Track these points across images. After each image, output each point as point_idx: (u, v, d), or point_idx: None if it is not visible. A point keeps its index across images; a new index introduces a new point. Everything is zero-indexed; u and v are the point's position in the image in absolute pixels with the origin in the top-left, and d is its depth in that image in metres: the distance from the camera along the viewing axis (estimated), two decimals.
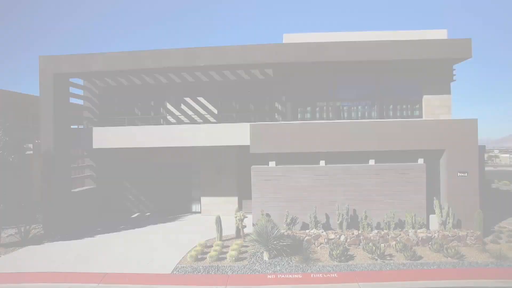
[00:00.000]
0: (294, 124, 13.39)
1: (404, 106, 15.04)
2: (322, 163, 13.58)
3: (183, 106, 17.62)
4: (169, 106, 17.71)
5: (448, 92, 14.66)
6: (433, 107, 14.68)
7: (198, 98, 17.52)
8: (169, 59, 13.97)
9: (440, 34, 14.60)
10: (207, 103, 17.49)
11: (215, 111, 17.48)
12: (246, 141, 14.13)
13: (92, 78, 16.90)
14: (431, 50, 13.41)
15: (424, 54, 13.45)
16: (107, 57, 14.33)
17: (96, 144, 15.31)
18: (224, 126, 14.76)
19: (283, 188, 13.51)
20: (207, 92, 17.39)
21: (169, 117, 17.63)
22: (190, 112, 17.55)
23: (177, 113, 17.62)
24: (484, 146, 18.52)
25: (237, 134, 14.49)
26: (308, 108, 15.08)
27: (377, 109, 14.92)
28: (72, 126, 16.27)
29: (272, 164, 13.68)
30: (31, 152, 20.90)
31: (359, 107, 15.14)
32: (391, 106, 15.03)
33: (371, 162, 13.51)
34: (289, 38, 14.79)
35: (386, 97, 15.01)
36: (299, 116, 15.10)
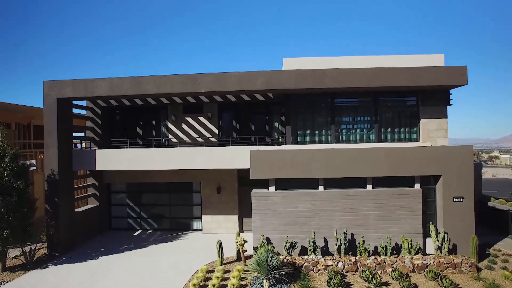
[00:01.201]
0: (294, 151, 13.64)
1: (401, 129, 15.28)
2: (320, 188, 13.86)
3: (184, 125, 17.89)
4: (170, 125, 17.98)
5: (444, 116, 14.90)
6: (430, 130, 14.91)
7: (199, 117, 17.79)
8: (171, 85, 14.23)
9: (437, 59, 14.82)
10: (208, 122, 17.75)
11: (216, 131, 17.76)
12: (246, 165, 14.42)
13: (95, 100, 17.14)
14: (427, 77, 13.67)
15: (421, 81, 13.71)
16: (109, 82, 14.58)
17: (99, 166, 15.61)
18: (224, 150, 15.04)
19: (283, 213, 13.79)
20: (207, 112, 17.65)
21: (170, 136, 17.91)
22: (190, 131, 17.82)
23: (177, 131, 17.90)
24: (481, 163, 18.75)
25: (237, 157, 14.78)
26: (307, 131, 15.33)
27: (376, 132, 15.17)
28: (75, 141, 16.60)
29: (271, 189, 13.96)
30: (34, 167, 21.25)
31: (358, 130, 15.39)
32: (389, 129, 15.27)
33: (369, 187, 13.78)
34: (289, 62, 15.02)
35: (384, 120, 15.25)
36: (298, 138, 15.34)
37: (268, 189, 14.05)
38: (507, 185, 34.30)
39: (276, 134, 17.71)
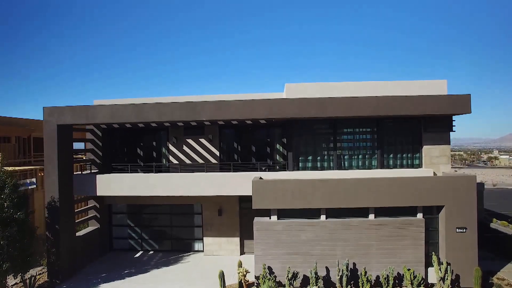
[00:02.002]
0: (295, 182, 13.55)
1: (404, 155, 15.22)
2: (322, 217, 13.78)
3: (185, 147, 17.80)
4: (171, 147, 17.88)
5: (447, 142, 14.84)
6: (432, 157, 14.86)
7: (200, 139, 17.68)
8: (172, 114, 14.15)
9: (440, 85, 14.74)
10: (209, 144, 17.65)
11: (217, 152, 17.66)
12: (248, 192, 14.29)
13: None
14: (430, 106, 13.60)
15: (424, 110, 13.64)
16: (110, 109, 14.49)
17: (100, 191, 15.57)
18: (226, 176, 15.01)
19: (285, 242, 13.73)
20: (209, 133, 17.54)
21: (171, 158, 17.81)
22: (191, 153, 17.73)
23: (178, 153, 17.81)
24: (483, 184, 18.68)
25: (239, 184, 14.73)
26: (309, 157, 15.25)
27: (378, 158, 15.10)
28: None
29: (273, 218, 13.89)
30: (35, 186, 21.18)
31: (360, 156, 15.32)
32: (391, 155, 15.20)
33: (371, 216, 13.70)
34: (290, 88, 14.94)
35: (387, 146, 15.18)
36: (300, 164, 15.28)
37: (270, 218, 13.98)
38: (509, 196, 34.14)
39: (277, 155, 17.61)
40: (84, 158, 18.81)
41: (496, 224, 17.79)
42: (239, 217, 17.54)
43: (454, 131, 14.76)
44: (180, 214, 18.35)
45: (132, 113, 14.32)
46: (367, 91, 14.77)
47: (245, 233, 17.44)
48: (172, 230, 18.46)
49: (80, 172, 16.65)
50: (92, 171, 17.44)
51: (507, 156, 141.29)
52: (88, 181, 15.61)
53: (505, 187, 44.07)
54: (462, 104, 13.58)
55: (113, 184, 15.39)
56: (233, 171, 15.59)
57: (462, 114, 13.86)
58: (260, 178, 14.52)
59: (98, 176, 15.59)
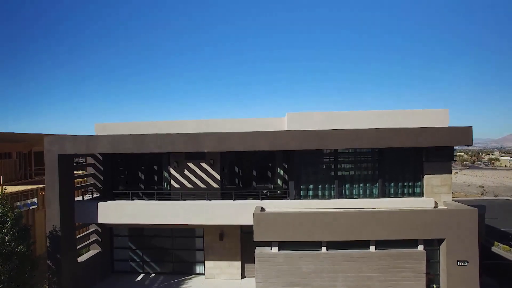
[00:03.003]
0: (296, 215, 13.58)
1: (405, 183, 15.20)
2: (323, 249, 13.81)
3: (186, 171, 17.79)
4: (172, 171, 17.87)
5: (448, 171, 14.82)
6: (433, 186, 14.84)
7: (201, 163, 17.67)
8: (173, 145, 14.17)
9: (442, 114, 14.73)
10: (210, 169, 17.64)
11: (218, 177, 17.65)
12: (250, 221, 14.33)
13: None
14: (431, 138, 13.59)
15: (425, 142, 13.64)
16: (111, 140, 14.51)
17: (101, 219, 15.60)
18: (228, 205, 15.04)
19: (286, 273, 13.76)
20: (210, 158, 17.52)
21: (172, 182, 17.80)
22: (193, 177, 17.73)
23: (179, 177, 17.80)
24: (484, 207, 18.62)
25: (241, 214, 14.80)
26: (310, 186, 15.25)
27: (379, 186, 15.09)
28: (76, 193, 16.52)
29: (275, 249, 13.92)
30: (36, 206, 21.24)
31: (361, 184, 15.30)
32: (392, 183, 15.20)
33: (372, 248, 13.72)
34: (292, 117, 14.94)
35: (388, 175, 15.17)
36: (301, 192, 15.28)
37: (271, 249, 14.00)
38: (511, 208, 33.85)
39: (278, 179, 17.60)
40: (85, 180, 18.79)
41: (497, 249, 17.80)
42: (240, 241, 17.56)
43: (455, 160, 14.72)
44: (182, 237, 18.36)
45: (133, 143, 14.34)
46: (369, 120, 14.80)
47: (246, 257, 17.46)
48: (173, 252, 18.48)
49: (81, 198, 16.62)
50: (94, 195, 17.49)
51: (508, 158, 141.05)
52: (90, 209, 15.63)
53: (507, 198, 43.80)
54: (463, 136, 13.58)
55: (114, 212, 15.42)
56: (234, 198, 15.60)
57: (463, 145, 13.82)
58: (262, 208, 14.54)
59: (100, 204, 15.60)
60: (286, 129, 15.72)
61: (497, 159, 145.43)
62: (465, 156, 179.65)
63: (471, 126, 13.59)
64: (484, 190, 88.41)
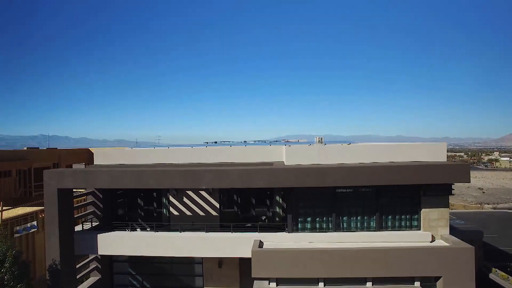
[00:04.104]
0: (294, 252, 13.69)
1: (402, 216, 15.28)
2: (321, 284, 13.91)
3: (185, 199, 17.87)
4: (171, 198, 17.95)
5: (446, 205, 14.89)
6: (431, 220, 14.93)
7: (200, 191, 17.74)
8: (171, 181, 14.23)
9: (439, 148, 14.78)
10: (209, 197, 17.72)
11: (217, 205, 17.73)
12: (247, 254, 14.41)
13: None
14: (430, 175, 13.65)
15: (423, 179, 13.71)
16: (110, 175, 14.57)
17: (101, 251, 15.71)
18: (227, 238, 15.12)
19: None
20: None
21: (172, 210, 17.88)
22: (192, 205, 17.81)
23: (179, 205, 17.89)
24: (482, 232, 18.72)
25: (239, 246, 14.90)
26: (308, 219, 15.34)
27: (376, 219, 15.17)
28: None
29: (272, 284, 14.02)
30: (36, 229, 21.31)
31: (358, 217, 15.38)
32: (389, 216, 15.28)
33: (368, 284, 13.83)
34: (290, 151, 14.98)
35: (386, 208, 15.25)
36: (299, 225, 15.37)
37: (269, 284, 14.10)
38: (509, 223, 33.69)
39: (277, 207, 17.67)
40: (85, 209, 18.82)
41: (495, 276, 17.89)
42: (239, 269, 17.68)
43: (453, 194, 14.81)
44: (181, 263, 18.45)
45: (131, 179, 14.41)
46: (367, 154, 14.87)
47: (245, 284, 17.57)
48: (173, 278, 18.60)
49: (81, 227, 16.71)
50: (93, 222, 17.58)
51: (508, 159, 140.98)
52: (89, 240, 15.73)
53: (505, 210, 43.76)
54: (461, 173, 13.64)
55: (114, 244, 15.53)
56: (233, 230, 15.67)
57: (460, 182, 13.90)
58: (260, 242, 14.64)
59: (100, 236, 15.70)
60: (284, 158, 15.79)
61: (496, 160, 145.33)
62: (465, 157, 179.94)
63: (469, 164, 13.69)
64: (484, 192, 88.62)
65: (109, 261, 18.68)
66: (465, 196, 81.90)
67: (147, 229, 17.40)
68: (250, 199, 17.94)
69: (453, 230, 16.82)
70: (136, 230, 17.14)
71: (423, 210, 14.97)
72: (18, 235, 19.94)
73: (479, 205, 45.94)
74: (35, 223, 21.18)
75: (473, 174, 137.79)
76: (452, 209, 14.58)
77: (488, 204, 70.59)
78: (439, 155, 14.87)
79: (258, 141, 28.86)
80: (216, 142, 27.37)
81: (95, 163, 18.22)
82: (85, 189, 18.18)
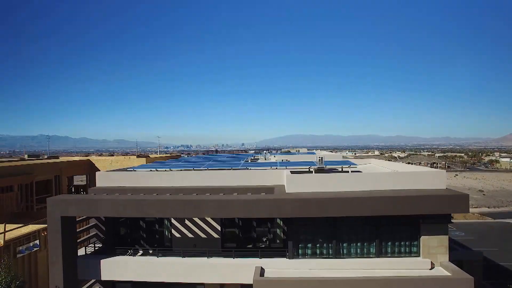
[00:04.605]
0: (295, 283, 13.81)
1: (402, 243, 15.42)
2: None
3: (187, 221, 18.02)
4: (173, 221, 18.10)
5: (445, 233, 15.02)
6: (430, 247, 15.05)
7: None
8: (173, 210, 14.40)
9: (439, 176, 14.92)
10: (210, 219, 17.87)
11: (218, 227, 17.89)
12: (249, 280, 14.59)
13: None
14: (429, 206, 13.79)
15: (423, 210, 13.85)
16: (113, 204, 14.73)
17: (104, 276, 15.90)
18: (228, 264, 15.27)
19: None
20: None
21: (174, 232, 18.05)
22: (193, 227, 17.97)
23: (180, 227, 18.04)
24: (481, 252, 18.89)
25: (240, 272, 15.07)
26: (309, 245, 15.49)
27: (376, 245, 15.32)
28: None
29: None
30: (38, 248, 21.49)
31: (358, 243, 15.53)
32: (389, 243, 15.43)
33: None
34: (291, 180, 15.12)
35: (386, 235, 15.39)
36: (300, 251, 15.52)
37: None
38: (510, 235, 33.55)
39: (278, 229, 17.83)
40: (87, 232, 19.00)
41: None
42: None
43: (452, 222, 14.93)
44: (183, 285, 18.62)
45: (134, 209, 14.58)
46: (368, 182, 15.04)
47: None
48: None
49: (84, 251, 16.89)
50: (96, 245, 17.76)
51: (508, 159, 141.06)
52: (93, 266, 15.90)
53: (506, 220, 43.61)
54: (460, 204, 13.77)
55: (117, 270, 15.70)
56: (234, 255, 15.83)
57: (459, 213, 14.03)
58: (261, 269, 14.80)
59: (103, 261, 15.87)
60: (285, 184, 15.93)
61: (497, 161, 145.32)
62: (465, 158, 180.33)
63: (468, 194, 13.79)
64: (484, 195, 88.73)
65: (111, 285, 18.85)
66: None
67: (150, 251, 17.58)
68: (251, 221, 18.09)
69: (453, 251, 16.98)
70: (139, 252, 17.36)
71: (422, 237, 15.11)
72: (21, 255, 20.13)
73: (479, 215, 46.06)
74: (37, 241, 21.37)
75: (473, 175, 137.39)
76: (452, 219, 14.74)
77: (488, 207, 70.80)
78: (438, 183, 15.03)
79: (257, 150, 28.96)
80: (216, 151, 27.47)
81: (97, 185, 18.40)
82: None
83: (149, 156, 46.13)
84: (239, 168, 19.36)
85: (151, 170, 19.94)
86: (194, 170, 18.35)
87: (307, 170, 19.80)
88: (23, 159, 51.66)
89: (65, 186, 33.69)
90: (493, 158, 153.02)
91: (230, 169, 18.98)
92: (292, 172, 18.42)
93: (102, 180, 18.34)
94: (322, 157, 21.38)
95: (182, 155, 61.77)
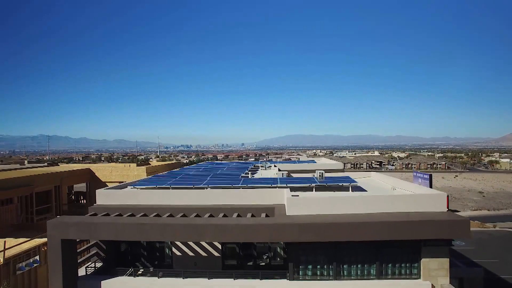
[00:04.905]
0: None
1: (402, 265, 15.42)
2: None
3: None
4: None
5: (446, 256, 15.01)
6: (431, 269, 15.04)
7: None
8: (173, 234, 14.38)
9: (440, 199, 14.89)
10: None
11: (219, 246, 17.88)
12: None
13: None
14: (430, 231, 13.78)
15: (423, 235, 13.84)
16: (114, 228, 14.69)
17: None
18: (229, 285, 15.29)
19: None
20: None
21: (174, 250, 18.03)
22: (194, 246, 17.95)
23: (181, 245, 18.03)
24: (481, 271, 18.88)
25: None
26: (309, 266, 15.48)
27: (377, 267, 15.32)
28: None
29: None
30: (38, 263, 21.50)
31: (359, 265, 15.52)
32: (390, 264, 15.42)
33: None
34: (291, 202, 15.09)
35: (386, 256, 15.38)
36: (300, 272, 15.52)
37: None
38: (511, 244, 33.39)
39: (278, 247, 17.83)
40: (88, 251, 18.98)
41: None
42: None
43: (453, 245, 14.93)
44: None
45: (134, 232, 14.55)
46: (369, 204, 15.02)
47: None
48: None
49: (85, 272, 16.86)
50: (97, 264, 17.74)
51: (508, 160, 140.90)
52: (93, 285, 15.86)
53: (507, 229, 43.37)
54: (461, 229, 13.76)
55: None
56: (235, 276, 15.82)
57: (460, 237, 14.02)
58: None
59: (103, 282, 15.84)
60: (286, 205, 15.92)
61: (497, 162, 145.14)
62: (465, 158, 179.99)
63: (469, 220, 13.78)
64: (484, 196, 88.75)
65: None
66: (466, 200, 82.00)
67: (150, 269, 17.56)
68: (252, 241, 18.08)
69: (454, 268, 16.92)
70: (139, 270, 17.34)
71: (423, 259, 15.10)
72: (21, 272, 20.13)
73: (479, 223, 45.99)
74: (37, 257, 21.37)
75: (473, 176, 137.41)
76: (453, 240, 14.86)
77: (488, 210, 70.82)
78: (439, 206, 15.01)
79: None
80: (217, 159, 27.46)
81: (97, 203, 18.36)
82: None
83: (149, 164, 46.07)
84: (239, 186, 19.33)
85: (151, 187, 19.92)
86: (194, 188, 18.33)
87: (308, 186, 19.82)
88: (23, 164, 51.65)
89: (65, 196, 33.66)
90: (493, 158, 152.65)
91: (230, 187, 18.95)
92: (292, 190, 18.44)
93: (102, 198, 18.31)
94: (322, 172, 21.41)
95: (182, 155, 61.69)
